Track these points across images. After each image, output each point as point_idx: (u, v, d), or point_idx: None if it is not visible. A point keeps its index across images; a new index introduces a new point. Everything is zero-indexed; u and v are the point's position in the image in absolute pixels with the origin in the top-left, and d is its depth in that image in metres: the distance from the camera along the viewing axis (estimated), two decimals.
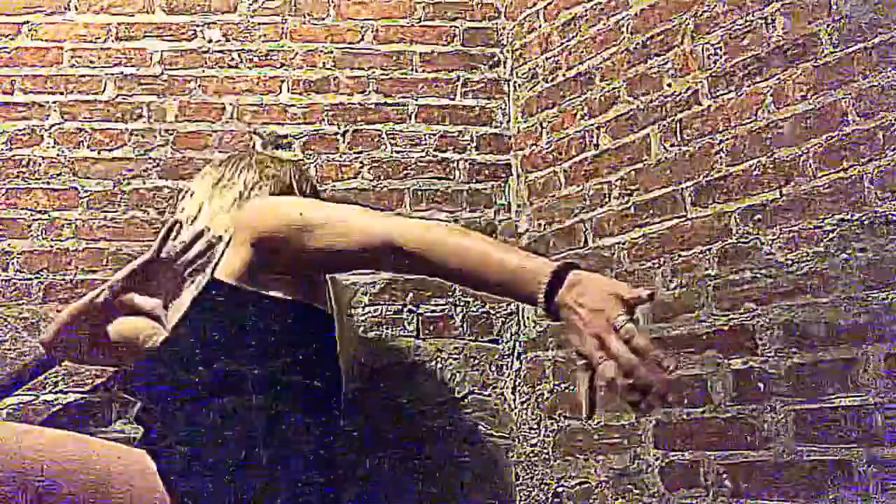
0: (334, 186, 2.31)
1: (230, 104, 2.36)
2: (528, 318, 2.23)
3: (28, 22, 2.37)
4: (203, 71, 2.38)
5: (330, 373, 1.41)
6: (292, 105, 2.36)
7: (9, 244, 2.19)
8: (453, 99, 2.41)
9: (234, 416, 1.21)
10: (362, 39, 2.45)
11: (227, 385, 1.24)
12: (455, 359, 2.20)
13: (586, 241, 2.13)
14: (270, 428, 1.22)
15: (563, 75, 2.29)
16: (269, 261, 1.31)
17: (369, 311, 2.21)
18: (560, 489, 2.05)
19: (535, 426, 2.14)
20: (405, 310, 2.22)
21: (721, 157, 1.87)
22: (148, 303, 1.52)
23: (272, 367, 1.28)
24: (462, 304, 2.24)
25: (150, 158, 2.30)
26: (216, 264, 1.39)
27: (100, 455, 1.13)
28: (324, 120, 2.36)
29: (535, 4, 2.41)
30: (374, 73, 2.42)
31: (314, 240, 1.25)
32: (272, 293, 1.33)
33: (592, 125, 2.18)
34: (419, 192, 2.32)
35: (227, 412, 1.22)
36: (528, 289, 1.06)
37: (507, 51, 2.46)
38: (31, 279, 2.17)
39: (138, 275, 1.54)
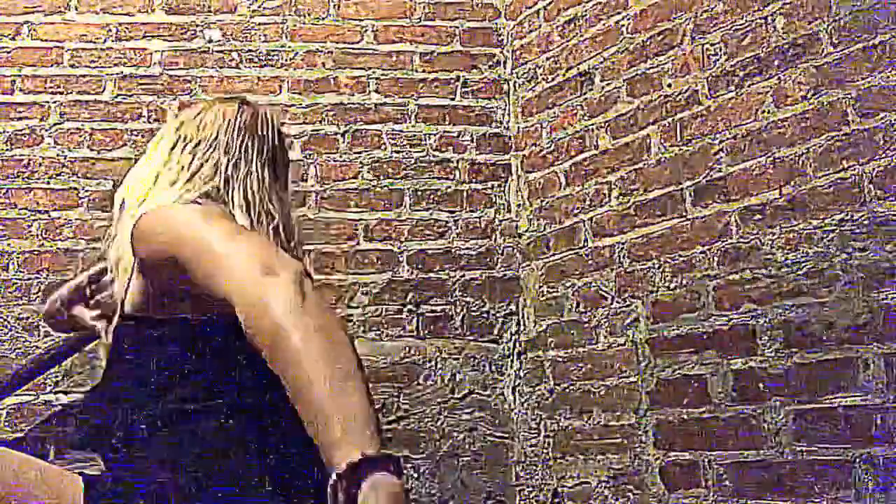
0: (334, 186, 2.31)
1: None
2: (528, 318, 2.23)
3: (28, 22, 2.37)
4: (203, 71, 2.38)
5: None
6: (292, 105, 2.36)
7: (9, 244, 2.19)
8: (453, 99, 2.41)
9: (183, 451, 1.04)
10: (362, 39, 2.44)
11: (170, 421, 1.06)
12: (455, 359, 2.20)
13: (586, 241, 2.13)
14: (225, 455, 1.04)
15: (563, 75, 2.29)
16: (162, 284, 1.10)
17: (369, 311, 2.21)
18: (560, 489, 2.05)
19: (535, 426, 2.14)
20: (405, 310, 2.22)
21: (721, 157, 1.87)
22: (89, 317, 1.46)
23: (207, 400, 1.08)
24: (462, 304, 2.24)
25: None
26: (126, 291, 1.16)
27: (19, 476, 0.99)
28: (324, 120, 2.36)
29: (535, 4, 2.41)
30: (374, 73, 2.41)
31: (190, 273, 1.00)
32: (185, 315, 1.10)
33: (592, 125, 2.18)
34: (419, 192, 2.32)
35: (172, 449, 1.05)
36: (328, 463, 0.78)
37: (507, 51, 2.46)
38: (31, 279, 2.17)
39: (86, 286, 1.48)
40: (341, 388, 0.81)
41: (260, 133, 1.28)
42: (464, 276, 2.28)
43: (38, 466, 1.04)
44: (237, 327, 1.02)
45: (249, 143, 1.25)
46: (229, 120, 1.27)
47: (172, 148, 1.24)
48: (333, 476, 0.75)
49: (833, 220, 1.65)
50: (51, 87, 2.33)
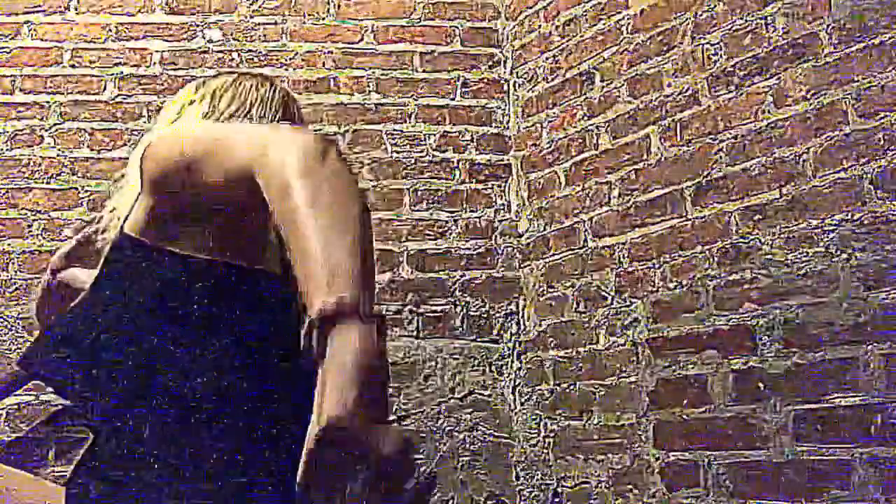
0: None
1: None
2: (528, 318, 2.23)
3: (28, 22, 2.37)
4: (203, 71, 2.38)
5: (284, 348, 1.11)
6: None
7: (9, 244, 2.19)
8: (453, 99, 2.41)
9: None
10: (362, 39, 2.45)
11: (157, 362, 1.01)
12: (455, 359, 2.20)
13: (586, 241, 2.13)
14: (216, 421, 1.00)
15: (563, 75, 2.29)
16: (170, 207, 1.06)
17: None
18: (560, 489, 2.05)
19: (535, 426, 2.14)
20: (405, 310, 2.22)
21: (721, 157, 1.87)
22: (87, 276, 1.33)
23: (206, 343, 1.04)
24: (462, 304, 2.24)
25: None
26: (126, 216, 1.12)
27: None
28: (324, 120, 2.36)
29: (535, 4, 2.41)
30: (374, 73, 2.42)
31: (197, 176, 0.98)
32: (183, 251, 1.07)
33: (592, 125, 2.18)
34: (419, 192, 2.32)
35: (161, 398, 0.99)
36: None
37: (507, 51, 2.46)
38: (31, 279, 2.17)
39: (81, 248, 1.41)
40: (335, 242, 0.80)
41: (291, 111, 1.28)
42: (464, 276, 2.28)
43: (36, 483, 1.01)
44: (232, 275, 1.06)
45: (282, 118, 1.25)
46: (263, 94, 1.26)
47: (205, 116, 1.22)
48: (307, 321, 0.75)
49: (833, 220, 1.65)
50: (51, 87, 2.33)
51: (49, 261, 2.17)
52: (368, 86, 2.40)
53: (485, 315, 2.24)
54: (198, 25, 2.42)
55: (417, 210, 2.30)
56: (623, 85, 2.12)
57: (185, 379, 1.01)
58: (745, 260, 1.78)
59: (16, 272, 2.17)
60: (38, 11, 2.38)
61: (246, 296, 1.09)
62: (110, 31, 2.39)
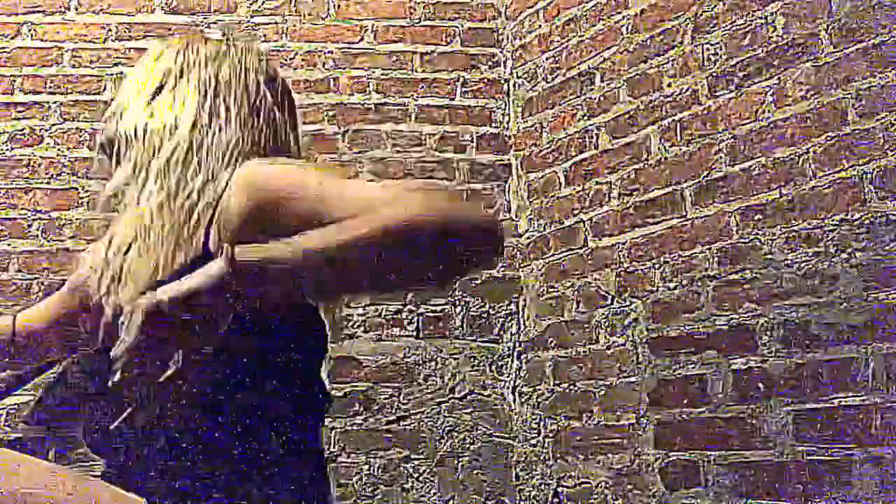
0: None
1: None
2: (528, 318, 2.23)
3: (28, 22, 2.37)
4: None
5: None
6: None
7: (9, 244, 2.19)
8: (453, 99, 2.41)
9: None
10: (362, 39, 2.45)
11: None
12: (455, 359, 2.20)
13: (586, 241, 2.13)
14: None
15: (563, 75, 2.29)
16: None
17: (369, 311, 2.21)
18: (560, 489, 2.05)
19: (535, 426, 2.14)
20: (405, 310, 2.22)
21: (721, 157, 1.87)
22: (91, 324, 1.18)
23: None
24: (462, 304, 2.24)
25: None
26: (209, 226, 1.05)
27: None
28: (324, 120, 2.36)
29: (535, 4, 2.41)
30: (374, 73, 2.42)
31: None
32: None
33: (592, 125, 2.18)
34: None
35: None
36: None
37: (507, 51, 2.46)
38: (31, 279, 2.17)
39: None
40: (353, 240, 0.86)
41: (277, 77, 1.21)
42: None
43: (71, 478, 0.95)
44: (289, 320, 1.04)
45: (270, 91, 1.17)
46: (255, 68, 1.17)
47: (205, 95, 1.12)
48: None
49: (833, 220, 1.65)
50: (51, 87, 2.33)
51: (49, 263, 2.16)
52: (368, 86, 2.40)
53: (485, 315, 2.24)
54: (198, 25, 2.42)
55: None
56: (623, 85, 2.12)
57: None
58: (745, 260, 1.78)
59: (16, 272, 2.17)
60: (38, 11, 2.38)
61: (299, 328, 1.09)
62: (110, 31, 2.39)
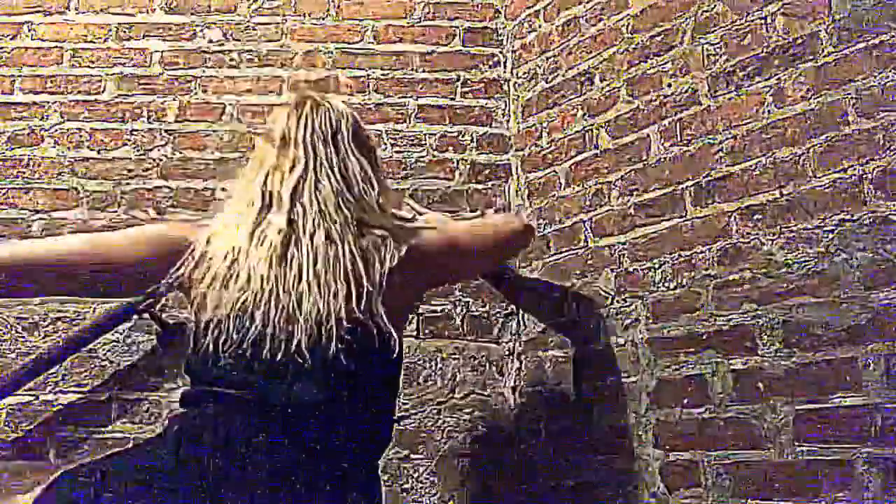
0: None
1: (230, 104, 2.36)
2: (528, 318, 2.23)
3: (28, 22, 2.37)
4: (203, 71, 2.38)
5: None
6: None
7: None
8: (453, 99, 2.41)
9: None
10: (362, 39, 2.45)
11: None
12: (455, 359, 2.20)
13: (586, 241, 2.13)
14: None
15: (563, 75, 2.29)
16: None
17: None
18: (560, 489, 2.05)
19: (535, 426, 2.13)
20: None
21: (721, 157, 1.87)
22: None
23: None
24: (462, 304, 2.24)
25: (150, 158, 2.30)
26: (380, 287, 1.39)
27: None
28: None
29: (535, 4, 2.41)
30: (374, 73, 2.42)
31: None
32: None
33: (592, 125, 2.18)
34: (419, 192, 2.32)
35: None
36: None
37: (507, 51, 2.46)
38: None
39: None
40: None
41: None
42: None
43: None
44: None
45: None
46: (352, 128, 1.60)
47: (351, 159, 1.55)
48: None
49: (833, 220, 1.65)
50: (51, 87, 2.33)
51: None
52: (368, 86, 2.40)
53: (485, 315, 2.24)
54: (198, 25, 2.42)
55: None
56: (623, 85, 2.12)
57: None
58: (745, 260, 1.78)
59: None
60: (38, 11, 2.38)
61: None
62: (110, 31, 2.39)
